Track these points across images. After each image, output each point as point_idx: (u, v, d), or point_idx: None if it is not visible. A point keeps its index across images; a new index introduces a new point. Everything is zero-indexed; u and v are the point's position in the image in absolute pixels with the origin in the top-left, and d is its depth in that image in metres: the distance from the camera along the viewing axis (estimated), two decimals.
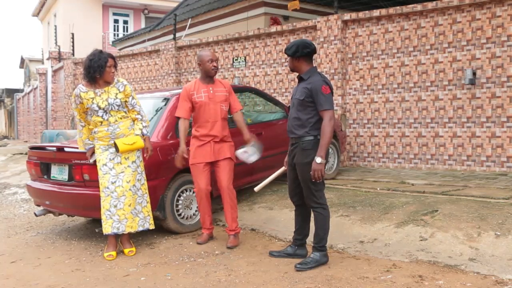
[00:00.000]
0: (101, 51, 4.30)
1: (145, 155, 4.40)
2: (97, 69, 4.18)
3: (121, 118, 4.29)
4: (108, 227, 4.21)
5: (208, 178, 4.49)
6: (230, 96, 4.62)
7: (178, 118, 4.55)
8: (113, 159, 4.25)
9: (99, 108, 4.21)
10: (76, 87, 4.34)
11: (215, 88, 4.53)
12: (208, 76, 4.52)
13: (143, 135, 4.36)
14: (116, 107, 4.26)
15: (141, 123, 4.38)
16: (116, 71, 4.33)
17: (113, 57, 4.31)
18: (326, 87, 3.72)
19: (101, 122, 4.25)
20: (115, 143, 4.21)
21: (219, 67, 9.88)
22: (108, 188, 4.22)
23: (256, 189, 4.36)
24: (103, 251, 4.35)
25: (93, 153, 4.35)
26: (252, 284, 3.50)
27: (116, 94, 4.28)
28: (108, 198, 4.22)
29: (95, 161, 4.33)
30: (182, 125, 4.49)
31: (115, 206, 4.21)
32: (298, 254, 4.02)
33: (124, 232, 4.27)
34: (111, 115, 4.25)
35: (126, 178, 4.25)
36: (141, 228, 4.36)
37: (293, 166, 3.91)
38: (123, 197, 4.23)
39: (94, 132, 4.30)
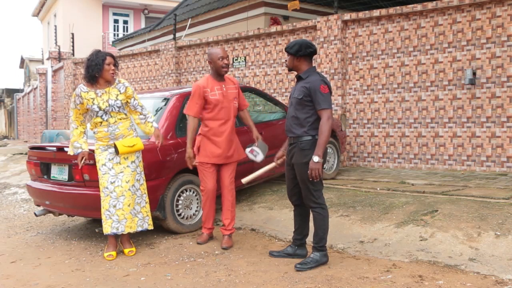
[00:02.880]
0: (99, 51, 4.31)
1: (157, 142, 4.44)
2: (95, 68, 4.17)
3: (120, 119, 4.29)
4: (107, 227, 4.21)
5: (215, 178, 4.49)
6: (239, 93, 4.62)
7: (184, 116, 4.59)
8: (112, 159, 4.25)
9: (100, 109, 4.20)
10: (76, 87, 4.32)
11: (227, 85, 4.47)
12: (220, 75, 4.45)
13: (155, 128, 4.44)
14: (117, 109, 4.25)
15: (150, 123, 4.42)
16: (117, 71, 4.32)
17: (112, 56, 4.28)
18: (324, 86, 3.71)
19: (101, 123, 4.25)
20: (115, 145, 4.21)
21: None
22: (107, 188, 4.22)
23: (243, 180, 4.33)
24: (103, 251, 4.35)
25: (82, 158, 4.28)
26: (252, 284, 3.50)
27: (117, 95, 4.27)
28: (107, 198, 4.21)
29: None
30: (192, 124, 4.40)
31: (114, 206, 4.21)
32: (298, 254, 4.02)
33: (124, 232, 4.27)
34: (111, 116, 4.24)
35: (125, 178, 4.25)
36: (140, 229, 4.35)
37: (291, 166, 3.90)
38: (122, 197, 4.23)
39: (94, 133, 4.30)
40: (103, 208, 4.24)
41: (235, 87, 4.55)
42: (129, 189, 4.25)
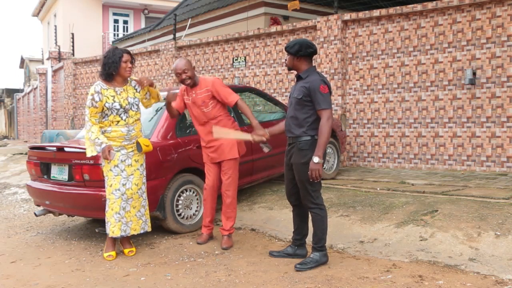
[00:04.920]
0: (116, 48, 4.28)
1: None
2: (112, 65, 4.13)
3: (136, 121, 4.29)
4: (117, 230, 4.17)
5: (216, 175, 4.53)
6: (219, 93, 4.44)
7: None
8: (125, 160, 4.19)
9: (121, 106, 4.14)
10: (94, 85, 4.19)
11: (198, 90, 4.48)
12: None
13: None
14: (135, 107, 4.24)
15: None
16: (133, 66, 4.27)
17: (128, 52, 4.24)
18: (324, 86, 3.69)
19: (118, 122, 4.16)
20: (138, 143, 4.20)
21: (219, 67, 9.95)
22: (119, 190, 4.17)
23: (215, 134, 4.25)
24: (103, 251, 4.35)
25: (109, 151, 4.04)
26: (252, 284, 3.50)
27: (134, 93, 4.28)
28: (118, 201, 4.17)
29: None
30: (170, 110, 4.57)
31: (124, 209, 4.19)
32: (298, 254, 4.02)
33: (129, 235, 4.27)
34: (130, 116, 4.21)
35: (135, 181, 4.24)
36: (142, 231, 4.36)
37: (290, 166, 3.90)
38: (131, 200, 4.22)
39: (106, 132, 4.17)
40: (112, 210, 4.17)
41: (206, 90, 4.44)
42: (137, 192, 4.25)
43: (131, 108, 4.21)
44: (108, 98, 4.13)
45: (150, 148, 4.28)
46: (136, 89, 4.32)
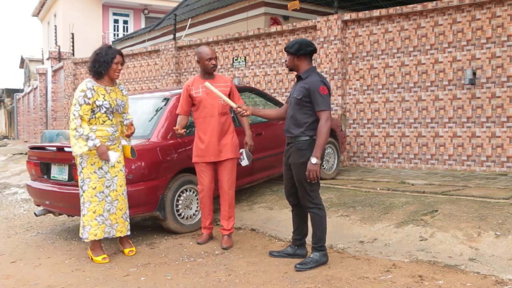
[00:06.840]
0: (109, 47, 4.22)
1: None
2: (102, 64, 4.06)
3: (119, 122, 4.28)
4: (100, 233, 4.11)
5: (211, 176, 4.50)
6: (233, 92, 4.60)
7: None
8: (108, 162, 4.14)
9: (110, 106, 4.10)
10: (83, 83, 4.09)
11: (215, 83, 4.48)
12: (207, 73, 4.54)
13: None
14: (121, 109, 4.23)
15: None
16: (122, 68, 4.22)
17: (121, 54, 4.19)
18: (324, 87, 3.69)
19: (105, 121, 4.11)
20: (132, 149, 4.22)
21: (219, 67, 9.94)
22: (103, 192, 4.12)
23: (206, 84, 4.25)
24: (92, 257, 4.18)
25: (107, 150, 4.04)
26: (252, 284, 3.50)
27: (122, 96, 4.25)
28: (102, 203, 4.11)
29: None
30: (179, 121, 4.56)
31: (108, 211, 4.14)
32: (298, 254, 4.02)
33: (114, 236, 4.24)
34: (114, 117, 4.19)
35: (119, 182, 4.21)
36: (129, 233, 4.32)
37: (288, 166, 3.89)
38: (116, 202, 4.18)
39: (92, 130, 4.04)
40: (94, 213, 4.09)
41: (225, 86, 4.54)
42: (122, 193, 4.23)
43: (117, 110, 4.18)
44: (99, 95, 4.06)
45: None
46: (123, 93, 4.28)
